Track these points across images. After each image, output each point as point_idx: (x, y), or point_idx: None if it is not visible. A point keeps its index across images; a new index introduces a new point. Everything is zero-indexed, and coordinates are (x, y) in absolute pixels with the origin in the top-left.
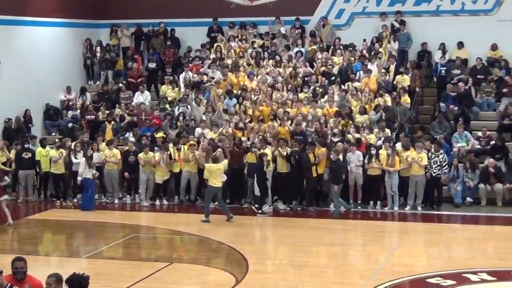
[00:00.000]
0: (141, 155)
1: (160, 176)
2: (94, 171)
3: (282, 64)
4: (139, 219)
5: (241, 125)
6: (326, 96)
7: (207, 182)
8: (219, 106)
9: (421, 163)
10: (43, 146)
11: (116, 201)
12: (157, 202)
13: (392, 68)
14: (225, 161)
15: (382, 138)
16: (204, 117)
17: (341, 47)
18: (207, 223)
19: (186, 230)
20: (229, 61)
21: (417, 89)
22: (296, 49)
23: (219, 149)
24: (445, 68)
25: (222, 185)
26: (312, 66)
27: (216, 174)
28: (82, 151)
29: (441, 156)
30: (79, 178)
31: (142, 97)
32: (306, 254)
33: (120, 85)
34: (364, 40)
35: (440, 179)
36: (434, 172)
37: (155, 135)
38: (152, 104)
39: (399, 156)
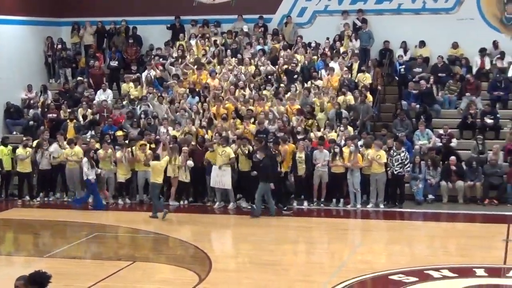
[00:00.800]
0: (100, 151)
1: (122, 174)
2: (99, 170)
3: (244, 62)
4: (101, 218)
5: (204, 123)
6: (288, 94)
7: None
8: (182, 104)
9: (380, 161)
10: (5, 145)
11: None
12: (120, 201)
13: (355, 66)
14: (166, 158)
15: (345, 136)
16: (166, 115)
17: (304, 45)
18: (165, 220)
19: (148, 228)
20: (191, 59)
21: (378, 87)
22: (258, 47)
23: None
24: (404, 67)
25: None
26: (274, 64)
27: (157, 171)
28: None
29: (402, 154)
30: (84, 178)
31: (104, 95)
32: (269, 252)
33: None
34: (327, 39)
35: (403, 177)
36: (396, 170)
37: (116, 133)
38: (114, 102)
39: (362, 154)
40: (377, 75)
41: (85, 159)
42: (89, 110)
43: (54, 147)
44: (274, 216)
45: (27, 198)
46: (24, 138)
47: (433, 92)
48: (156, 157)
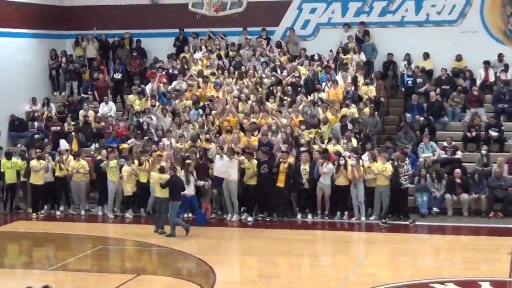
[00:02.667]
0: (106, 162)
1: (129, 187)
2: (202, 182)
3: (248, 74)
4: (106, 231)
5: (207, 136)
6: (290, 106)
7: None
8: (184, 117)
9: (386, 174)
10: (9, 158)
11: (83, 212)
12: (127, 214)
13: (361, 78)
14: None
15: (349, 149)
16: (170, 128)
17: (307, 57)
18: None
19: (153, 241)
20: (195, 72)
21: (382, 99)
22: (262, 59)
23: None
24: (411, 79)
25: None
26: (277, 77)
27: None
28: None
29: (405, 167)
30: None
31: (107, 108)
32: (274, 265)
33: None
34: (330, 51)
35: (407, 189)
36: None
37: (120, 146)
38: (118, 115)
39: (364, 167)
40: (380, 87)
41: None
42: (90, 112)
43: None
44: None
45: (30, 210)
46: (37, 150)
47: (443, 104)
48: (161, 170)
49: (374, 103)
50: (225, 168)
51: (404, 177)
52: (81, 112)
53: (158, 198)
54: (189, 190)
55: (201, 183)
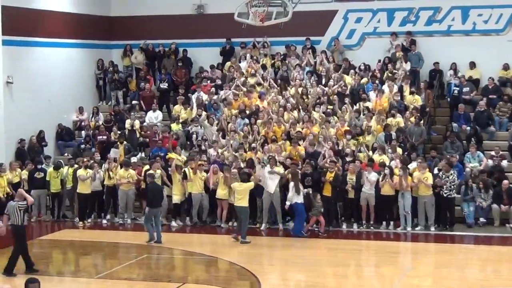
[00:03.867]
0: (151, 171)
1: (177, 196)
2: (305, 190)
3: (294, 84)
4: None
5: (253, 145)
6: (337, 116)
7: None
8: (229, 127)
9: (427, 183)
10: (56, 169)
11: (129, 221)
12: (173, 223)
13: (407, 88)
14: (250, 184)
15: (395, 159)
16: (215, 138)
17: (353, 67)
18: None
19: (199, 250)
20: (240, 81)
21: (427, 109)
22: (307, 69)
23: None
24: (458, 88)
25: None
26: (322, 86)
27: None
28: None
29: (451, 177)
30: (287, 203)
31: (154, 117)
32: (319, 274)
33: (134, 105)
34: (379, 61)
35: (454, 199)
36: (445, 193)
37: (167, 156)
38: (164, 125)
39: (412, 176)
40: (429, 96)
41: (291, 183)
42: (136, 121)
43: (80, 171)
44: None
45: (77, 219)
46: (85, 159)
47: (491, 113)
48: (243, 179)
49: (421, 112)
50: (266, 178)
51: (450, 187)
52: (128, 122)
53: (237, 207)
54: (299, 199)
55: (304, 190)
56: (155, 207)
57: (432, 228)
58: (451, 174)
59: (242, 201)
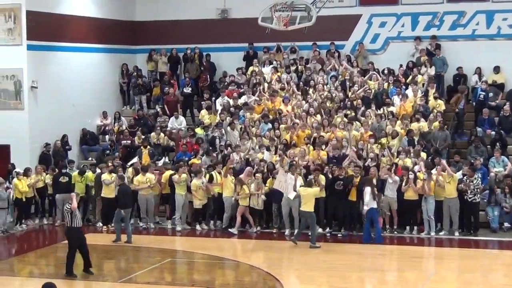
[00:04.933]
0: (175, 176)
1: (198, 200)
2: (384, 196)
3: (317, 88)
4: (175, 244)
5: (279, 151)
6: (361, 120)
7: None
8: (253, 131)
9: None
10: (81, 174)
11: (152, 225)
12: (198, 227)
13: (431, 92)
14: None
15: (420, 163)
16: (238, 142)
17: (377, 71)
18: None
19: (221, 254)
20: (264, 86)
21: (456, 110)
22: (331, 73)
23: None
24: (484, 93)
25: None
26: (345, 90)
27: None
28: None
29: (475, 181)
30: (365, 208)
31: (177, 122)
32: (343, 279)
33: (158, 109)
34: (401, 66)
35: (478, 204)
36: (470, 198)
37: (191, 160)
38: (188, 129)
39: (435, 181)
40: (458, 100)
41: (368, 189)
42: (161, 135)
43: (104, 175)
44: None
45: (100, 224)
46: (110, 164)
47: None
48: (309, 184)
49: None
50: (287, 183)
51: (474, 190)
52: (153, 135)
53: (301, 212)
54: (374, 205)
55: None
56: (124, 208)
57: (456, 233)
58: (475, 178)
59: (306, 206)
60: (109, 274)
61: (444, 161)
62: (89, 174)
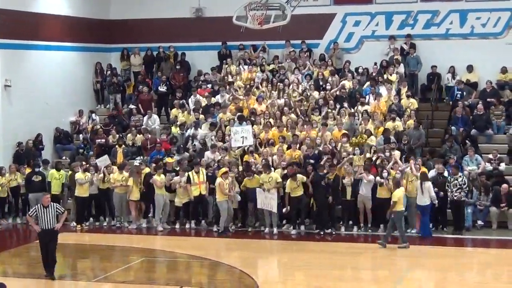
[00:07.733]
0: (156, 177)
1: (180, 199)
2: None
3: (291, 87)
4: (151, 243)
5: (251, 148)
6: (335, 119)
7: None
8: (227, 130)
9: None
10: (58, 170)
11: (126, 224)
12: (177, 226)
13: (403, 91)
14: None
15: (391, 162)
16: (214, 141)
17: (350, 71)
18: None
19: (196, 253)
20: (238, 85)
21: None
22: (305, 72)
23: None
24: (460, 92)
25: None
26: (319, 89)
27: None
28: None
29: (460, 179)
30: (426, 202)
31: (151, 121)
32: (317, 278)
33: (132, 107)
34: (375, 64)
35: (464, 202)
36: (455, 196)
37: (165, 159)
38: (163, 128)
39: (407, 179)
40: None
41: (428, 184)
42: (138, 136)
43: (78, 175)
44: None
45: (74, 223)
46: (83, 163)
47: (489, 117)
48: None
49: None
50: (268, 200)
51: (459, 189)
52: (129, 137)
53: (393, 212)
54: (425, 202)
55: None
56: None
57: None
58: (460, 176)
59: (396, 206)
60: (83, 273)
61: (412, 162)
62: (64, 172)
